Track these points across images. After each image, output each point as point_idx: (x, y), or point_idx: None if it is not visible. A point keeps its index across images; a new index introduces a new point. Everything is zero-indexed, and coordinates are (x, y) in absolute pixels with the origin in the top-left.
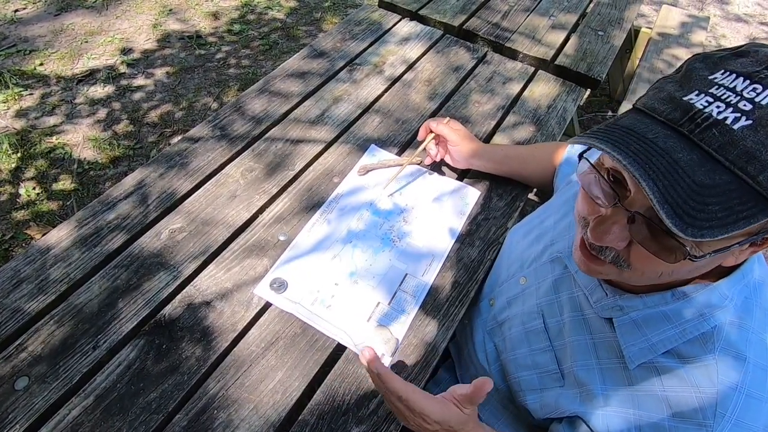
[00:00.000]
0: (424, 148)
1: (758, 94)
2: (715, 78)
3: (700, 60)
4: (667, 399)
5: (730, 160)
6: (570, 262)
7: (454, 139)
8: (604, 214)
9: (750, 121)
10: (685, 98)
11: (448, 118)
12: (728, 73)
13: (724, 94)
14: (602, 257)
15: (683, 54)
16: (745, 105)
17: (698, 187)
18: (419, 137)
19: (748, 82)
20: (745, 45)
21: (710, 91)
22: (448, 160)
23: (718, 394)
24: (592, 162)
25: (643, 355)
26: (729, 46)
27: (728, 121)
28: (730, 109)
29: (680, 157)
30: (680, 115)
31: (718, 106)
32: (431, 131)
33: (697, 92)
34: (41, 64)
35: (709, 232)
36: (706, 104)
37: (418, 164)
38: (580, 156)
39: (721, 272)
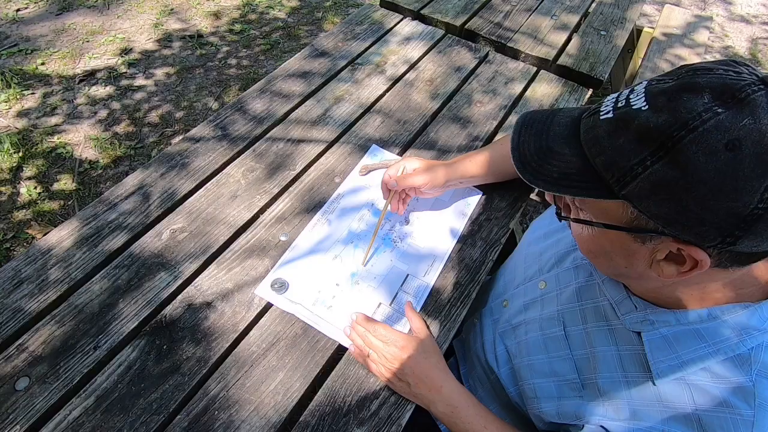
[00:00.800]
0: (389, 209)
1: (637, 98)
2: (638, 85)
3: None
4: (700, 419)
5: (584, 140)
6: (596, 271)
7: (419, 183)
8: None
9: (611, 115)
10: (608, 96)
11: (400, 162)
12: (646, 81)
13: (623, 95)
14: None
15: (686, 54)
16: (621, 103)
17: (547, 150)
18: (384, 196)
19: (643, 87)
20: (699, 62)
21: (622, 92)
22: (423, 196)
23: (755, 417)
24: None
25: (672, 371)
26: (732, 46)
27: (602, 113)
28: (611, 105)
29: (556, 130)
30: (593, 106)
31: (609, 102)
32: (390, 191)
33: (617, 93)
34: (43, 64)
35: (542, 185)
36: (607, 101)
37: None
38: None
39: (762, 296)
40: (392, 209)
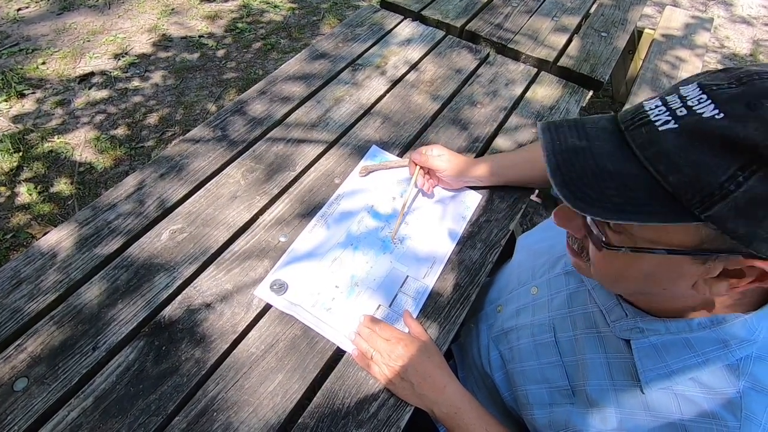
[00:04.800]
0: (415, 185)
1: (699, 104)
2: (683, 88)
3: (697, 74)
4: (685, 428)
5: (646, 156)
6: (586, 277)
7: (440, 166)
8: None
9: (676, 126)
10: (644, 102)
11: (430, 146)
12: (695, 84)
13: (673, 100)
14: (573, 246)
15: (686, 55)
16: (681, 111)
17: (599, 170)
18: (410, 173)
19: (700, 92)
20: (743, 65)
21: (666, 97)
22: (441, 185)
23: (740, 429)
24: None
25: (661, 380)
26: (733, 48)
27: (658, 123)
28: (667, 113)
29: (597, 145)
30: (629, 115)
31: (660, 110)
32: (416, 164)
33: (658, 98)
34: (43, 63)
35: (600, 213)
36: (653, 107)
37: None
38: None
39: (755, 304)
40: (419, 185)
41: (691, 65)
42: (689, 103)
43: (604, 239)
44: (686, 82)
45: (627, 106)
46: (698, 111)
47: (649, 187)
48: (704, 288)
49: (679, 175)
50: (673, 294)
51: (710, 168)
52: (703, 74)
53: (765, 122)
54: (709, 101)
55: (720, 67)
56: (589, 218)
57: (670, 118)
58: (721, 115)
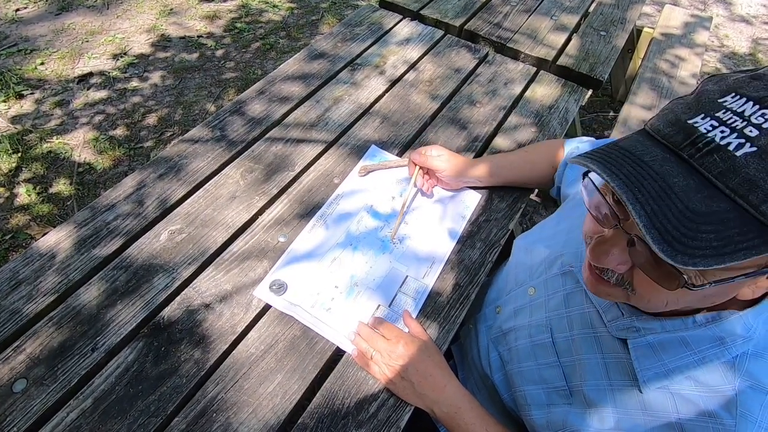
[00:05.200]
0: (414, 185)
1: (766, 120)
2: (725, 101)
3: (714, 82)
4: (682, 427)
5: (731, 187)
6: (582, 277)
7: (439, 166)
8: (605, 234)
9: (755, 148)
10: (690, 121)
11: (429, 146)
12: (738, 96)
13: (731, 118)
14: (606, 278)
15: (686, 54)
16: (751, 131)
17: (692, 214)
18: (409, 173)
19: (757, 107)
20: (763, 68)
21: (717, 114)
22: (440, 185)
23: (736, 427)
24: (597, 181)
25: (658, 379)
26: (732, 47)
27: (731, 147)
28: (735, 135)
29: (675, 182)
30: (682, 139)
31: (722, 131)
32: (415, 165)
33: (703, 115)
34: (42, 64)
35: (702, 261)
36: (711, 128)
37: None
38: (585, 174)
39: (748, 301)
40: (419, 185)
41: (691, 64)
42: (755, 120)
43: (686, 279)
44: (718, 92)
45: (654, 122)
46: None
47: (743, 222)
48: (748, 292)
49: None
50: (701, 300)
51: None
52: (731, 80)
53: None
54: None
55: (721, 66)
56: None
57: (743, 140)
58: None
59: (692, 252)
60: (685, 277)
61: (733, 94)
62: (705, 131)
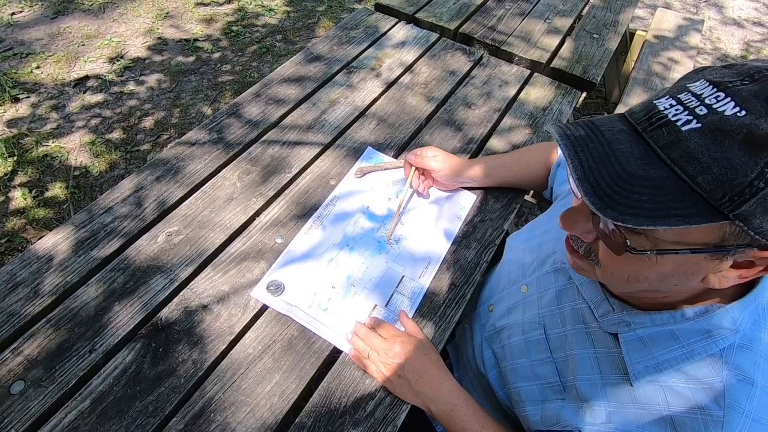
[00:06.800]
0: (410, 186)
1: (718, 101)
2: (692, 86)
3: (696, 71)
4: (672, 419)
5: (672, 158)
6: (574, 273)
7: (435, 167)
8: (576, 205)
9: (700, 125)
10: (654, 101)
11: (425, 148)
12: (704, 81)
13: (689, 99)
14: (577, 248)
15: (678, 56)
16: (701, 110)
17: (627, 176)
18: (405, 174)
19: (715, 90)
20: (742, 61)
21: (678, 95)
22: (436, 186)
23: (724, 418)
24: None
25: (649, 373)
26: (724, 49)
27: (679, 123)
28: (686, 112)
29: (620, 148)
30: (642, 115)
31: (677, 109)
32: (411, 166)
33: (667, 96)
34: (38, 68)
35: (632, 220)
36: (668, 107)
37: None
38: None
39: (735, 294)
40: (414, 185)
41: (683, 66)
42: (707, 101)
43: (628, 243)
44: (691, 78)
45: (633, 106)
46: (719, 109)
47: (678, 190)
48: (714, 280)
49: (708, 175)
50: (683, 289)
51: (739, 167)
52: (706, 70)
53: None
54: (728, 99)
55: None
56: (610, 223)
57: (691, 117)
58: (743, 112)
59: (622, 209)
60: (628, 242)
61: (702, 79)
62: (662, 108)
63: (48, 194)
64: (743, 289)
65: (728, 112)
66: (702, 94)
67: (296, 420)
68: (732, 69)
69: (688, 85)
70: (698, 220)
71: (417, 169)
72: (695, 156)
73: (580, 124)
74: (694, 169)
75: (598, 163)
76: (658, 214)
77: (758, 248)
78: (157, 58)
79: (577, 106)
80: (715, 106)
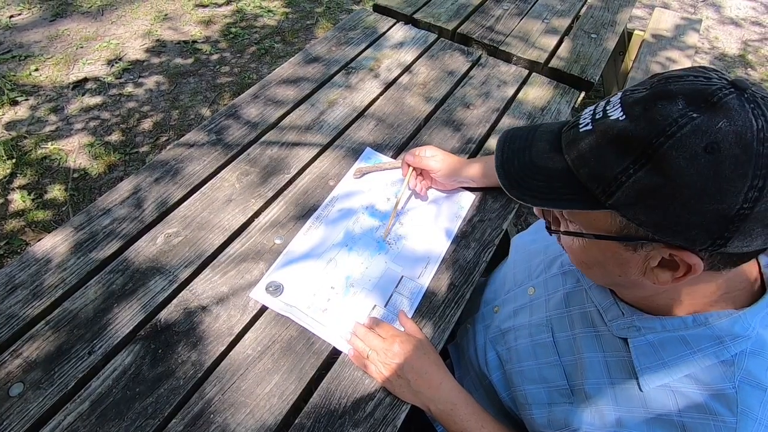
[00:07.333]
0: (408, 186)
1: (613, 108)
2: (614, 95)
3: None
4: (684, 425)
5: (568, 153)
6: (583, 277)
7: (433, 167)
8: None
9: (590, 128)
10: (585, 108)
11: (423, 147)
12: (622, 92)
13: (601, 107)
14: (546, 228)
15: (676, 56)
16: (599, 115)
17: (533, 166)
18: (403, 174)
19: (618, 98)
20: (668, 71)
21: (600, 104)
22: (435, 185)
23: (737, 424)
24: None
25: (659, 378)
26: (722, 49)
27: (581, 126)
28: (590, 118)
29: (538, 144)
30: (572, 119)
31: (586, 115)
32: (409, 166)
33: (598, 104)
34: (36, 70)
35: (530, 200)
36: (586, 113)
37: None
38: None
39: (747, 301)
40: (412, 186)
41: (681, 66)
42: (607, 108)
43: (550, 225)
44: (621, 90)
45: None
46: (609, 114)
47: (568, 179)
48: (652, 276)
49: (587, 168)
50: (635, 283)
51: (609, 162)
52: (653, 80)
53: (652, 121)
54: (620, 106)
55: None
56: (535, 208)
57: (589, 121)
58: (624, 116)
59: (523, 191)
60: (546, 222)
61: (625, 90)
62: (582, 114)
63: (47, 196)
64: (755, 296)
65: (613, 117)
66: (610, 101)
67: (296, 421)
68: (652, 78)
69: (612, 97)
70: (581, 206)
71: (415, 169)
72: (582, 153)
73: (529, 126)
74: (579, 163)
75: (515, 155)
76: (549, 197)
77: (664, 245)
78: (156, 60)
79: (576, 105)
80: (609, 113)
